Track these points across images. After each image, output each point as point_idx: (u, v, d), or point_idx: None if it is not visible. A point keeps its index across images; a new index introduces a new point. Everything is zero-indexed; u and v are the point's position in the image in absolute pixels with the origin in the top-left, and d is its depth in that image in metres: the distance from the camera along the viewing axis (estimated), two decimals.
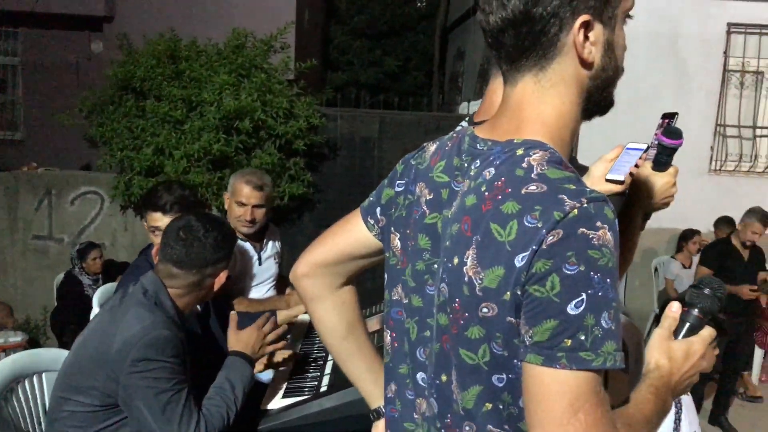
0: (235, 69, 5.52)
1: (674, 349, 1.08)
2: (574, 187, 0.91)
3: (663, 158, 1.48)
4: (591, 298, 0.85)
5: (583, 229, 0.87)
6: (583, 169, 1.58)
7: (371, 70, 13.90)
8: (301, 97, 5.83)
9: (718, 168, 6.90)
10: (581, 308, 0.85)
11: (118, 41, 6.05)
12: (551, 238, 0.87)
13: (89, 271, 5.33)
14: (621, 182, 1.48)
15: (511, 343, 0.93)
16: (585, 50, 0.99)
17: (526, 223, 0.89)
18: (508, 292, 0.90)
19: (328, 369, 2.11)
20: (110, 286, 2.98)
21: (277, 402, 1.97)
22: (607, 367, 0.86)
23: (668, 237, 6.83)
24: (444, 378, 1.05)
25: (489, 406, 0.98)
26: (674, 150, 1.48)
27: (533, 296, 0.88)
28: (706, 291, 1.12)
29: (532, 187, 0.92)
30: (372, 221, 1.24)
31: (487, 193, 0.96)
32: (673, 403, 2.43)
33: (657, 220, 6.73)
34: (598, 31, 1.00)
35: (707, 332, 1.12)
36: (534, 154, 0.97)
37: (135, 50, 5.83)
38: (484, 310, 0.94)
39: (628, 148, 1.54)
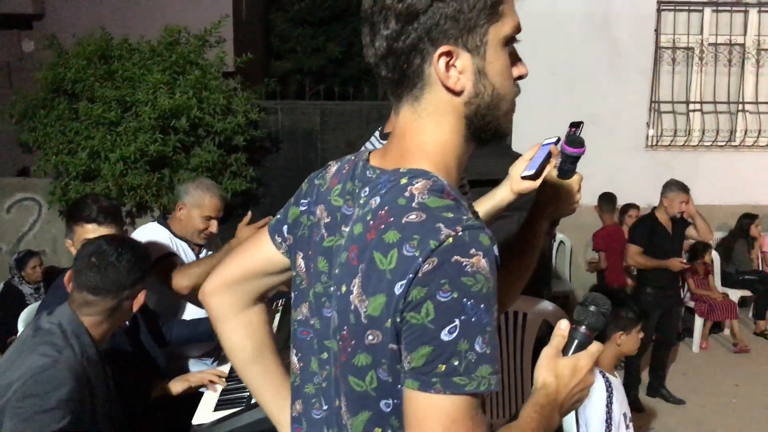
0: (169, 66, 5.43)
1: (561, 367, 1.11)
2: (451, 215, 0.94)
3: (566, 166, 1.52)
4: (464, 324, 0.88)
5: (457, 257, 0.89)
6: (517, 158, 1.62)
7: (315, 57, 13.80)
8: (239, 92, 5.77)
9: (654, 144, 7.07)
10: (454, 334, 0.88)
11: (47, 41, 5.90)
12: (427, 266, 0.89)
13: (29, 279, 5.22)
14: (534, 177, 1.52)
15: (395, 369, 0.95)
16: (450, 79, 1.01)
17: (405, 252, 0.92)
18: (390, 320, 0.93)
19: None
20: (34, 307, 2.91)
21: (209, 415, 1.98)
22: (481, 392, 0.89)
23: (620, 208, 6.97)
24: (337, 402, 1.07)
25: (378, 431, 1.01)
26: (577, 158, 1.52)
27: (410, 323, 0.90)
28: (592, 308, 1.16)
29: (412, 216, 0.94)
30: (279, 239, 1.24)
31: (371, 222, 0.98)
32: (605, 387, 2.52)
33: (597, 197, 6.92)
34: (465, 60, 1.01)
35: (595, 348, 1.15)
36: (416, 183, 0.99)
37: (65, 51, 5.69)
38: (370, 337, 0.96)
39: (543, 145, 1.57)
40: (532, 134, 6.54)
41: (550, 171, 1.52)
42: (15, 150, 6.41)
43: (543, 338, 2.59)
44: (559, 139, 1.57)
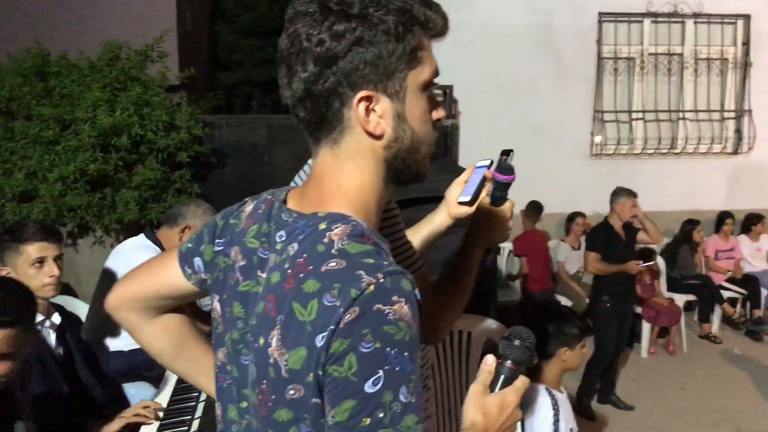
0: (109, 83, 5.29)
1: (489, 404, 1.11)
2: (372, 261, 0.92)
3: (498, 193, 1.52)
4: (388, 375, 0.86)
5: (379, 305, 0.88)
6: (460, 172, 1.62)
7: (263, 68, 13.73)
8: (183, 107, 5.67)
9: (598, 152, 7.20)
10: (378, 385, 0.86)
11: None
12: (348, 316, 0.87)
13: None
14: (470, 203, 1.53)
15: (319, 424, 0.93)
16: (369, 123, 1.01)
17: (326, 302, 0.89)
18: (312, 374, 0.90)
19: (198, 412, 2.07)
20: None
21: None
22: None
23: (557, 221, 7.08)
24: None
25: None
26: (507, 185, 1.53)
27: (332, 376, 0.88)
28: (516, 342, 1.16)
29: (332, 264, 0.92)
30: (189, 270, 1.20)
31: (290, 271, 0.95)
32: (551, 405, 2.52)
33: (546, 206, 7.03)
34: (384, 104, 1.01)
35: (521, 382, 1.15)
36: (336, 228, 0.97)
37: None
38: (291, 392, 0.93)
39: (477, 167, 1.58)
40: (478, 145, 6.61)
41: (483, 199, 1.53)
42: None
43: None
44: (492, 162, 1.58)
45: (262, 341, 0.97)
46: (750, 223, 7.14)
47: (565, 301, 6.49)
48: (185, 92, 5.79)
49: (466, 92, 6.61)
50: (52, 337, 2.45)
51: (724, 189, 7.45)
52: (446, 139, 5.32)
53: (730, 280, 6.96)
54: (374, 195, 1.06)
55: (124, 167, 5.28)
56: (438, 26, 1.05)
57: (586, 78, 7.03)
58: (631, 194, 5.13)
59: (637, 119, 7.22)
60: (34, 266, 2.48)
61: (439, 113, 1.09)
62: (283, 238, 1.02)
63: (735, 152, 7.42)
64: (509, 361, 1.15)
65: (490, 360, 1.15)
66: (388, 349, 0.87)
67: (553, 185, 7.02)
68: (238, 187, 6.13)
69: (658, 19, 7.10)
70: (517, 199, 6.25)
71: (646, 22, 7.10)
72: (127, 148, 5.18)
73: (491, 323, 2.59)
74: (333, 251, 0.93)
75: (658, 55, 7.20)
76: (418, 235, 1.77)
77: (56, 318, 2.49)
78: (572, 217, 6.74)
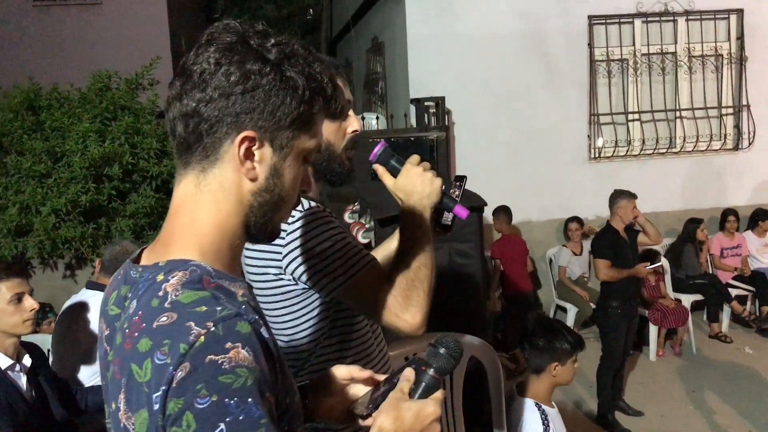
0: (100, 113, 5.32)
1: (403, 409, 1.06)
2: (204, 309, 0.89)
3: (392, 164, 1.59)
4: (231, 426, 0.83)
5: (211, 356, 0.84)
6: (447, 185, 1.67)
7: None
8: None
9: (596, 156, 7.13)
10: None
11: None
12: (180, 373, 0.84)
13: None
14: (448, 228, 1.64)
15: None
16: (245, 165, 0.99)
17: (157, 361, 0.86)
18: None
19: None
20: None
21: None
22: None
23: (557, 226, 7.02)
24: None
25: None
26: (385, 157, 1.60)
27: None
28: (442, 350, 1.12)
29: (163, 319, 0.89)
30: None
31: (127, 331, 0.93)
32: (541, 421, 2.47)
33: (545, 212, 7.00)
34: (266, 152, 1.01)
35: (440, 394, 1.11)
36: (172, 278, 0.94)
37: None
38: None
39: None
40: (474, 154, 6.65)
41: (383, 175, 1.59)
42: None
43: (471, 373, 2.54)
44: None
45: (114, 406, 0.94)
46: (757, 218, 7.04)
47: (570, 307, 6.44)
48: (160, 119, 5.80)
49: (459, 103, 6.60)
50: (22, 380, 2.41)
51: (726, 186, 7.35)
52: (432, 152, 5.29)
53: (737, 278, 6.85)
54: (228, 235, 1.02)
55: (117, 196, 5.30)
56: (338, 109, 1.09)
57: (579, 82, 6.98)
58: (632, 196, 5.08)
59: (633, 120, 7.15)
60: (12, 303, 2.47)
61: (306, 190, 1.14)
62: (130, 297, 0.99)
63: (735, 148, 7.33)
64: (432, 370, 1.11)
65: (408, 371, 1.11)
66: (227, 399, 0.84)
67: (552, 190, 6.97)
68: None
69: (649, 19, 7.04)
70: (520, 207, 6.24)
71: (637, 22, 7.05)
72: (119, 177, 5.20)
73: (474, 340, 2.55)
74: (166, 305, 0.90)
75: (651, 55, 7.14)
76: (378, 255, 1.78)
77: (26, 360, 2.46)
78: (567, 223, 6.71)
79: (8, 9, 9.10)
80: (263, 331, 0.92)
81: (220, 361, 0.84)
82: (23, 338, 2.55)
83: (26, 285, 2.53)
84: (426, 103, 6.39)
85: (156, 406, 0.85)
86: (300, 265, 1.54)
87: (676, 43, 7.15)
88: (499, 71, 6.78)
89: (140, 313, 0.92)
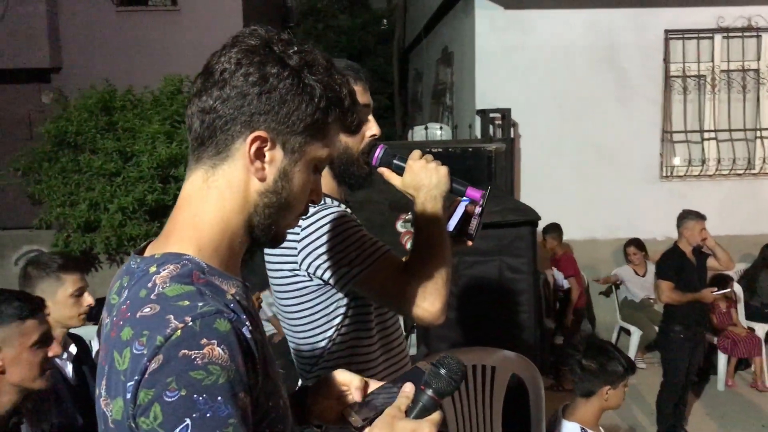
0: (169, 116, 5.48)
1: (399, 428, 1.04)
2: (186, 303, 0.89)
3: (394, 163, 1.61)
4: (198, 422, 0.83)
5: (185, 351, 0.84)
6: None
7: None
8: None
9: (668, 174, 6.89)
10: None
11: (54, 95, 6.02)
12: (153, 365, 0.85)
13: None
14: (451, 235, 1.60)
15: None
16: (254, 164, 1.00)
17: (135, 350, 0.87)
18: (127, 424, 0.87)
19: None
20: None
21: None
22: None
23: (623, 245, 6.80)
24: None
25: None
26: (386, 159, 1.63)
27: (142, 429, 0.85)
28: (443, 372, 1.08)
29: (146, 310, 0.89)
30: None
31: (115, 319, 0.94)
32: None
33: (611, 230, 6.79)
34: (277, 154, 1.01)
35: (437, 416, 1.07)
36: (163, 270, 0.94)
37: (68, 104, 5.79)
38: None
39: (461, 200, 1.63)
40: (539, 168, 6.52)
41: (388, 176, 1.62)
42: (26, 202, 6.50)
43: (513, 391, 2.46)
44: (472, 201, 1.64)
45: (97, 392, 0.95)
46: None
47: (634, 329, 6.23)
48: None
49: (526, 115, 6.50)
50: (68, 368, 2.48)
51: None
52: (490, 164, 5.20)
53: None
54: (229, 232, 1.02)
55: None
56: (354, 123, 1.09)
57: (652, 97, 6.76)
58: (700, 217, 4.86)
59: (709, 139, 6.87)
60: (73, 297, 2.55)
61: (318, 195, 1.10)
62: (125, 286, 1.00)
63: None
64: (431, 390, 1.07)
65: (408, 387, 1.09)
66: (196, 395, 0.83)
67: (619, 208, 6.76)
68: None
69: (731, 35, 6.77)
70: (585, 224, 6.06)
71: (717, 37, 6.78)
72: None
73: (516, 357, 2.47)
74: (152, 296, 0.91)
75: (730, 72, 6.86)
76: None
77: (72, 349, 2.54)
78: (625, 247, 6.50)
79: (94, 14, 9.50)
80: (245, 330, 0.91)
81: (193, 357, 0.84)
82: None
83: (86, 281, 2.59)
84: (491, 115, 6.32)
85: (128, 395, 0.86)
86: (315, 259, 1.55)
87: (759, 59, 6.85)
88: (568, 84, 6.64)
89: (128, 302, 0.93)
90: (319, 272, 1.56)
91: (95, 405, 0.96)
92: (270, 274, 1.67)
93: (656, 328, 5.84)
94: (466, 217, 1.61)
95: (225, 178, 1.00)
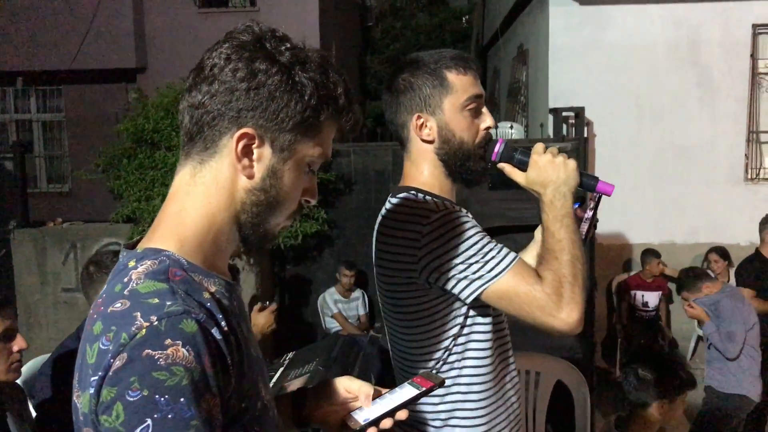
0: None
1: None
2: (156, 301, 0.88)
3: (518, 158, 1.57)
4: (158, 423, 0.82)
5: (149, 351, 0.84)
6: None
7: None
8: None
9: (754, 176, 6.54)
10: None
11: (135, 94, 6.24)
12: (117, 362, 0.84)
13: None
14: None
15: None
16: (242, 162, 0.99)
17: (102, 346, 0.87)
18: (92, 418, 0.88)
19: None
20: None
21: None
22: None
23: (703, 250, 6.50)
24: None
25: None
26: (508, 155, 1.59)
27: (104, 426, 0.85)
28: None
29: (118, 305, 0.89)
30: None
31: (91, 312, 0.94)
32: None
33: (691, 235, 6.50)
34: (265, 152, 1.00)
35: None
36: (141, 266, 0.94)
37: (146, 103, 5.99)
38: None
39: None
40: (614, 169, 6.31)
41: (511, 173, 1.57)
42: (108, 197, 6.78)
43: (558, 399, 2.38)
44: (581, 202, 1.64)
45: (73, 383, 0.96)
46: None
47: None
48: None
49: (601, 114, 6.30)
50: None
51: None
52: None
53: None
54: (214, 229, 1.01)
55: None
56: (348, 123, 1.06)
57: (738, 96, 6.43)
58: None
59: None
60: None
61: (310, 196, 1.07)
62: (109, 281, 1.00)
63: None
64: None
65: None
66: (158, 396, 0.83)
67: (699, 212, 6.47)
68: (363, 213, 6.20)
69: None
70: (664, 228, 5.83)
71: None
72: None
73: (563, 364, 2.38)
74: (125, 291, 0.91)
75: None
76: (528, 256, 1.79)
77: None
78: (708, 253, 6.18)
79: (177, 15, 9.84)
80: (215, 332, 0.90)
81: (156, 357, 0.84)
82: None
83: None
84: (564, 114, 6.15)
85: (92, 390, 0.86)
86: (437, 268, 1.46)
87: None
88: (646, 82, 6.40)
89: (104, 296, 0.94)
90: (440, 282, 1.48)
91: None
92: (380, 276, 1.60)
93: None
94: (576, 220, 1.52)
95: (212, 174, 1.00)
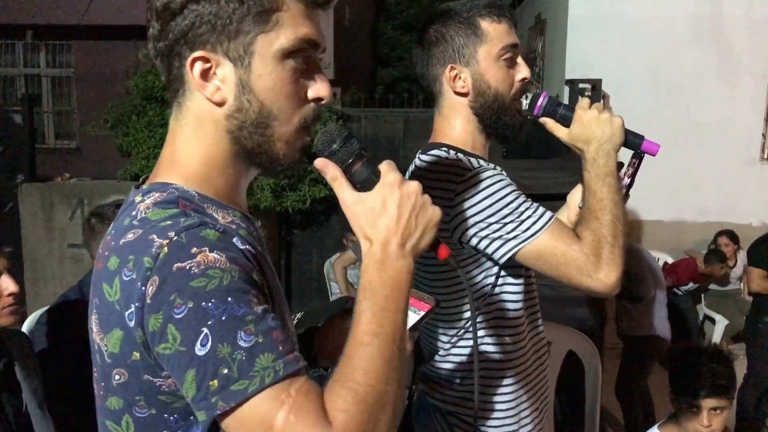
0: None
1: (368, 209, 0.96)
2: (169, 222, 0.85)
3: (561, 113, 1.53)
4: (215, 328, 0.79)
5: (178, 264, 0.81)
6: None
7: None
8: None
9: None
10: (208, 344, 0.79)
11: (145, 51, 6.17)
12: (151, 288, 0.82)
13: None
14: None
15: (158, 401, 0.88)
16: (206, 89, 0.92)
17: (124, 277, 0.84)
18: (136, 353, 0.85)
19: None
20: None
21: None
22: (270, 384, 0.79)
23: (716, 230, 6.43)
24: None
25: None
26: (553, 107, 1.55)
27: (164, 355, 0.82)
28: (335, 146, 1.00)
29: (129, 236, 0.87)
30: None
31: (100, 251, 0.92)
32: None
33: (703, 213, 6.44)
34: (226, 69, 0.92)
35: (384, 166, 0.99)
36: (148, 198, 0.91)
37: None
38: (117, 377, 0.89)
39: None
40: None
41: (553, 128, 1.54)
42: (116, 154, 6.74)
43: (568, 372, 2.34)
44: (620, 167, 1.57)
45: (89, 327, 0.93)
46: None
47: (719, 318, 5.91)
48: (338, 87, 5.89)
49: (617, 87, 6.20)
50: None
51: None
52: None
53: None
54: (215, 164, 0.96)
55: None
56: None
57: (760, 73, 6.30)
58: None
59: None
60: None
61: (318, 90, 0.96)
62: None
63: None
64: (360, 161, 0.98)
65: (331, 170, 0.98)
66: (204, 303, 0.80)
67: (712, 190, 6.39)
68: None
69: None
70: (674, 205, 5.75)
71: None
72: None
73: (575, 334, 2.34)
74: (135, 222, 0.88)
75: None
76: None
77: None
78: (717, 237, 6.09)
79: None
80: (237, 241, 0.87)
81: (188, 267, 0.81)
82: None
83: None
84: (581, 86, 6.05)
85: (131, 323, 0.83)
86: (470, 227, 1.42)
87: None
88: (665, 56, 6.28)
89: (113, 232, 0.91)
90: (474, 242, 1.43)
91: (91, 343, 0.94)
92: None
93: (744, 318, 5.54)
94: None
95: (191, 113, 0.95)
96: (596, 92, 5.92)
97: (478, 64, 1.52)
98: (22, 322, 2.43)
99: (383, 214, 0.94)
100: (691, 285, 5.95)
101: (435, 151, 1.54)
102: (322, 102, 0.97)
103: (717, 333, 5.87)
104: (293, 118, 0.95)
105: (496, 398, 1.54)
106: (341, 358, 0.87)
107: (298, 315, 2.88)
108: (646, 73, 6.30)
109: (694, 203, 6.43)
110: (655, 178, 6.21)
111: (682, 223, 6.47)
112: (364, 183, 0.97)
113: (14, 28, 9.98)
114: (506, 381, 1.55)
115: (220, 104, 0.93)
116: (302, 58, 0.94)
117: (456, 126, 1.57)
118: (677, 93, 6.34)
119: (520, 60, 1.55)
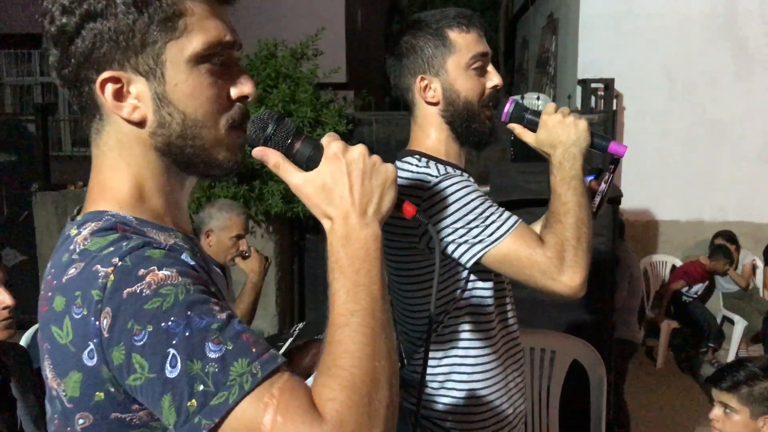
0: (262, 80, 5.49)
1: (316, 186, 0.94)
2: (111, 249, 0.81)
3: (528, 118, 1.55)
4: (180, 346, 0.76)
5: (128, 289, 0.77)
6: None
7: None
8: (335, 104, 5.77)
9: None
10: (178, 364, 0.76)
11: None
12: (105, 320, 0.77)
13: None
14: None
15: None
16: (123, 110, 0.88)
17: (75, 315, 0.80)
18: (99, 393, 0.81)
19: None
20: None
21: None
22: (250, 389, 0.76)
23: (734, 230, 6.33)
24: None
25: None
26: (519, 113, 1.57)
27: (136, 387, 0.78)
28: (270, 130, 0.97)
29: (71, 271, 0.82)
30: None
31: (43, 292, 0.87)
32: None
33: (721, 212, 6.34)
34: (140, 86, 0.88)
35: (326, 138, 0.99)
36: (84, 229, 0.86)
37: None
38: (81, 421, 0.84)
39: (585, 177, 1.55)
40: (643, 143, 6.14)
41: (522, 133, 1.56)
42: None
43: (572, 380, 2.30)
44: (598, 173, 1.63)
45: (44, 374, 0.88)
46: None
47: (737, 319, 5.82)
48: (331, 90, 5.88)
49: (631, 87, 6.13)
50: None
51: None
52: None
53: None
54: (147, 185, 0.92)
55: None
56: None
57: None
58: None
59: None
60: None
61: (241, 88, 0.92)
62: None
63: None
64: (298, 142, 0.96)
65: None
66: (163, 324, 0.76)
67: (730, 189, 6.29)
68: None
69: None
70: (691, 204, 5.69)
71: None
72: None
73: (579, 343, 2.31)
74: (74, 256, 0.84)
75: None
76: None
77: None
78: (714, 238, 6.01)
79: None
80: (185, 257, 0.84)
81: (139, 290, 0.77)
82: None
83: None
84: (593, 85, 5.99)
85: (92, 362, 0.80)
86: (438, 233, 1.44)
87: None
88: (679, 54, 6.19)
89: (53, 271, 0.87)
90: (441, 247, 1.45)
91: (47, 389, 0.90)
92: (385, 248, 1.60)
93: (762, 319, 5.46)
94: (590, 193, 1.50)
95: (112, 138, 0.91)
96: (609, 92, 5.85)
97: (447, 74, 1.55)
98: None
99: (335, 187, 0.91)
100: (699, 286, 5.90)
101: (407, 158, 1.58)
102: (249, 99, 0.93)
103: (736, 334, 5.78)
104: (220, 122, 0.92)
105: (468, 401, 1.56)
106: (322, 346, 0.84)
107: (299, 325, 2.88)
108: (660, 71, 6.21)
109: (711, 202, 6.34)
110: (672, 177, 6.15)
111: (700, 222, 6.37)
112: (309, 161, 0.94)
113: (30, 38, 10.09)
114: (478, 385, 1.56)
115: (141, 123, 0.89)
116: (218, 59, 0.90)
117: (430, 134, 1.61)
118: (692, 91, 6.25)
119: (490, 68, 1.58)
